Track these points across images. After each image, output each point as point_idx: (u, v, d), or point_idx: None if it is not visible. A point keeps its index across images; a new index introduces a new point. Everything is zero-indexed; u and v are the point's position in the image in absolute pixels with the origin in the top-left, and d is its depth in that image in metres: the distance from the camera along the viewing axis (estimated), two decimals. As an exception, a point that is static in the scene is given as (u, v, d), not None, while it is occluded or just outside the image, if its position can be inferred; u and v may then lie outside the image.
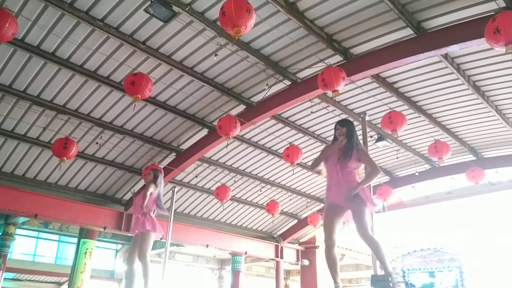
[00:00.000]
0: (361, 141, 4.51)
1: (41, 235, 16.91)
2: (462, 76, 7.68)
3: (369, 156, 4.11)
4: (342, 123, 4.20)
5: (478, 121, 9.61)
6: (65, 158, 7.42)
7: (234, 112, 8.66)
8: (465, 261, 12.31)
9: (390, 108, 8.02)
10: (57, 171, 9.58)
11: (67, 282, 11.82)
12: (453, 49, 6.59)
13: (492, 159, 11.24)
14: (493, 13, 5.25)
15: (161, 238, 6.87)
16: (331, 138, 4.33)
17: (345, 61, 7.30)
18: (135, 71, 6.45)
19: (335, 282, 3.83)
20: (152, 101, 8.28)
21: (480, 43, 6.04)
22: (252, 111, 8.70)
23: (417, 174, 11.47)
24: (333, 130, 4.29)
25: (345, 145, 4.03)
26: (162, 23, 6.41)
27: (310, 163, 11.65)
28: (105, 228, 10.43)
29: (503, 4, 5.63)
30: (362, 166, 4.18)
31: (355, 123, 4.86)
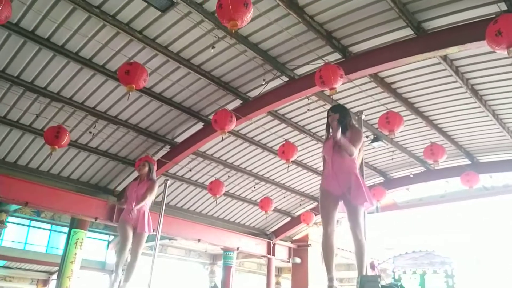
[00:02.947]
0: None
1: (33, 223, 16.78)
2: (460, 79, 7.64)
3: (359, 136, 3.88)
4: (334, 109, 4.04)
5: (474, 125, 9.57)
6: (56, 147, 7.33)
7: (230, 106, 8.59)
8: (456, 265, 12.33)
9: (387, 109, 7.97)
10: (50, 159, 9.47)
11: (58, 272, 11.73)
12: (453, 51, 6.53)
13: (487, 164, 11.22)
14: (494, 16, 5.18)
15: (153, 230, 6.82)
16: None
17: (343, 59, 7.24)
18: (131, 61, 6.37)
19: (329, 273, 3.71)
20: (147, 92, 8.19)
21: (480, 46, 6.00)
22: (248, 106, 8.63)
23: (411, 176, 11.45)
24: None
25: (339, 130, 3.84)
26: (159, 12, 6.32)
27: (305, 161, 11.62)
28: (96, 218, 10.36)
29: (504, 7, 5.58)
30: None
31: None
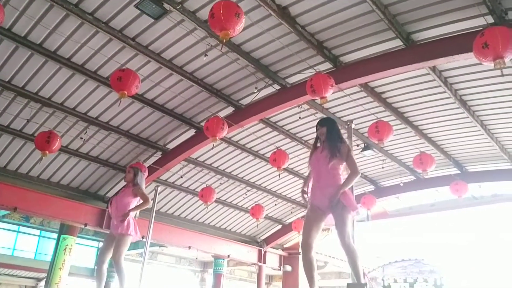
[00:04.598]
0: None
1: (22, 229, 16.65)
2: (449, 90, 7.76)
3: (351, 152, 3.99)
4: (322, 123, 4.11)
5: (463, 135, 9.71)
6: (47, 152, 7.28)
7: (223, 114, 8.62)
8: (445, 273, 12.42)
9: (377, 118, 8.08)
10: (40, 164, 9.42)
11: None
12: (441, 62, 6.65)
13: (476, 173, 11.36)
14: (481, 28, 5.31)
15: (142, 237, 6.77)
16: (318, 145, 4.24)
17: (334, 68, 7.33)
18: (123, 67, 6.39)
19: (313, 286, 3.74)
20: (139, 98, 8.20)
21: (468, 58, 6.11)
22: (241, 114, 8.68)
23: (401, 184, 11.54)
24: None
25: (327, 144, 3.94)
26: (152, 20, 6.36)
27: (296, 169, 11.67)
28: (86, 225, 10.29)
29: (491, 20, 5.71)
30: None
31: (342, 131, 4.83)
